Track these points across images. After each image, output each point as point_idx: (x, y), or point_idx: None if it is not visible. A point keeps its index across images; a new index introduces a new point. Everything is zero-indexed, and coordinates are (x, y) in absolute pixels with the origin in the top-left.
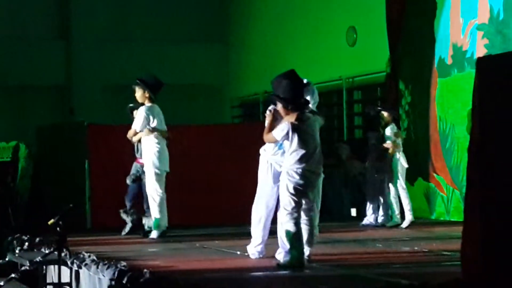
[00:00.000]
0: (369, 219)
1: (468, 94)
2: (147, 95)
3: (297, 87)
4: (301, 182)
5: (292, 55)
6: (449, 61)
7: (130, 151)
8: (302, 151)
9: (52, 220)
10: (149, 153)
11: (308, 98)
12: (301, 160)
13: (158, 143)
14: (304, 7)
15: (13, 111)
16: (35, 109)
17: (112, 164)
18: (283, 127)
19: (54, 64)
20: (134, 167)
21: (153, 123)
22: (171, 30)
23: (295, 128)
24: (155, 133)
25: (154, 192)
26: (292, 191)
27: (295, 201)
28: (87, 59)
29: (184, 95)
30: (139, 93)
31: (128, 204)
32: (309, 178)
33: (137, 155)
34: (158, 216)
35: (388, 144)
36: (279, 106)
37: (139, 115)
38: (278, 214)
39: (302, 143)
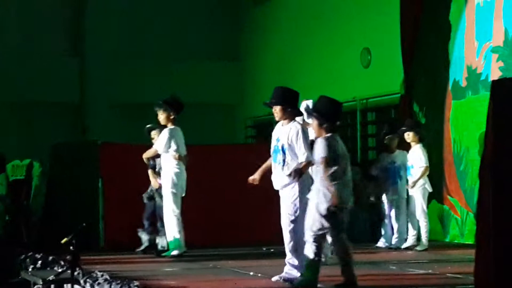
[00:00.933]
0: (383, 241)
1: (483, 117)
2: (171, 117)
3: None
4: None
5: (306, 75)
6: (463, 83)
7: (143, 171)
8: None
9: (65, 239)
10: (169, 173)
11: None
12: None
13: (178, 165)
14: (319, 27)
15: (26, 128)
16: (48, 126)
17: (125, 183)
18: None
19: (68, 81)
20: (150, 186)
21: (175, 146)
22: (184, 48)
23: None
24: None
25: (171, 212)
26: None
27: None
28: (100, 77)
29: (198, 114)
30: (163, 116)
31: (146, 223)
32: None
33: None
34: (178, 236)
35: (422, 166)
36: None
37: (163, 137)
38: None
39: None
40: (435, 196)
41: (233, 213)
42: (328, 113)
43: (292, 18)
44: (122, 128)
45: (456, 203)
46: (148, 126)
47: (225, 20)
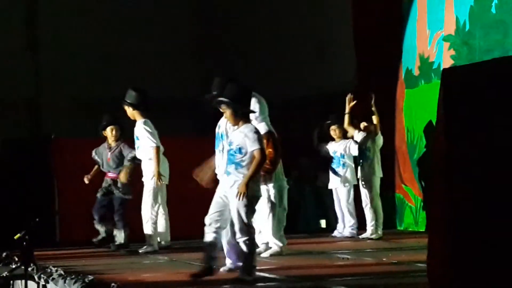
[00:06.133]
0: (338, 230)
1: (435, 105)
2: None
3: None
4: None
5: (261, 67)
6: (416, 72)
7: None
8: None
9: (18, 234)
10: (152, 166)
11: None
12: None
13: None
14: (273, 19)
15: None
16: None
17: (79, 177)
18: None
19: (23, 76)
20: (105, 182)
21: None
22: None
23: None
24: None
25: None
26: None
27: None
28: (56, 71)
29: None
30: (130, 113)
31: (96, 216)
32: None
33: (105, 169)
34: (150, 232)
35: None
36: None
37: (144, 132)
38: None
39: None
40: (390, 185)
41: (189, 206)
42: (242, 99)
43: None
44: (79, 124)
45: (410, 191)
46: (104, 123)
47: (189, 12)
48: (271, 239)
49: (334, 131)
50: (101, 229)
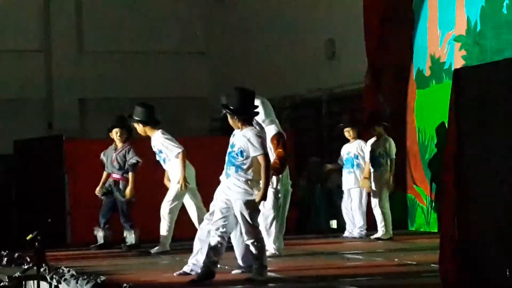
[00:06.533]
0: (349, 231)
1: (447, 105)
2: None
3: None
4: None
5: (271, 67)
6: (427, 72)
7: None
8: None
9: (30, 235)
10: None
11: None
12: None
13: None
14: (283, 19)
15: None
16: (13, 123)
17: (90, 178)
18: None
19: (34, 76)
20: (108, 181)
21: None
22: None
23: None
24: None
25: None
26: None
27: None
28: (67, 72)
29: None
30: (140, 129)
31: (102, 220)
32: None
33: (109, 170)
34: (165, 233)
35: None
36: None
37: (166, 142)
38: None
39: None
40: (401, 185)
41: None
42: (242, 104)
43: (257, 10)
44: (90, 124)
45: (421, 192)
46: (110, 125)
47: (195, 13)
48: (270, 244)
49: (348, 132)
50: (99, 234)
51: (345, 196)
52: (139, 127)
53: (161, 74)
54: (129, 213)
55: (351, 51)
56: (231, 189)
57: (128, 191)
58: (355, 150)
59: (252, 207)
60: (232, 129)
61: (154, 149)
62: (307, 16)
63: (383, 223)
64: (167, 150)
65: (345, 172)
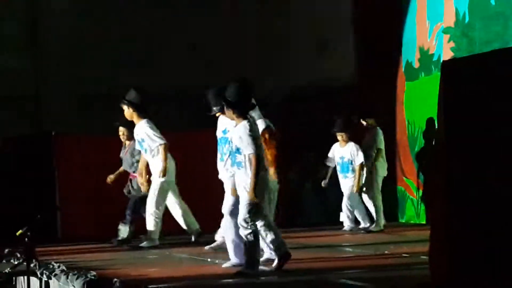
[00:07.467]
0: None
1: (436, 97)
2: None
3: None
4: None
5: (260, 62)
6: (416, 64)
7: (97, 161)
8: None
9: (20, 231)
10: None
11: None
12: None
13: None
14: (275, 14)
15: None
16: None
17: (80, 173)
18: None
19: (23, 73)
20: (129, 181)
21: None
22: None
23: None
24: None
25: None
26: None
27: None
28: (56, 67)
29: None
30: (128, 113)
31: (130, 217)
32: None
33: (124, 168)
34: (152, 228)
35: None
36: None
37: (150, 132)
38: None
39: None
40: (391, 177)
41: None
42: (235, 100)
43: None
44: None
45: (411, 184)
46: (116, 123)
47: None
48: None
49: (341, 136)
50: (124, 228)
51: (344, 198)
52: (128, 110)
53: (155, 69)
54: (136, 209)
55: (341, 45)
56: (238, 184)
57: (139, 178)
58: (349, 155)
59: (252, 204)
60: None
61: (137, 137)
62: (297, 10)
63: (375, 215)
64: (149, 141)
65: (340, 176)
